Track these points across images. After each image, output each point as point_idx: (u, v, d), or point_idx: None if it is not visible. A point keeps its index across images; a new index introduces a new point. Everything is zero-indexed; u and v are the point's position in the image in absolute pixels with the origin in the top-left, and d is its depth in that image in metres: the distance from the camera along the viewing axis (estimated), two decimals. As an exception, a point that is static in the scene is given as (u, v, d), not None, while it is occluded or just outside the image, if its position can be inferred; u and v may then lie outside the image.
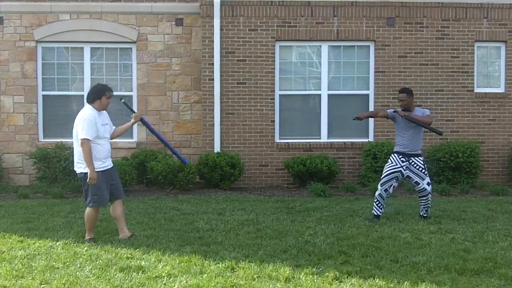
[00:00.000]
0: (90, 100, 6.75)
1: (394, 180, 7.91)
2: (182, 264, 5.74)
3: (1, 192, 10.57)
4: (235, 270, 5.56)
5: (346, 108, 11.50)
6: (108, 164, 6.82)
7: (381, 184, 7.94)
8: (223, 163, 10.52)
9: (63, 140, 11.47)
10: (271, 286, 5.08)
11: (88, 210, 6.79)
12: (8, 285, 5.09)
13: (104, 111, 6.93)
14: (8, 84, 11.75)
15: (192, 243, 6.61)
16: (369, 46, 11.60)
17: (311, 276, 5.32)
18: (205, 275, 5.37)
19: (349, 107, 11.49)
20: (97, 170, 6.58)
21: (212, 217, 8.17)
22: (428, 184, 7.88)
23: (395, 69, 11.50)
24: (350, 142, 11.53)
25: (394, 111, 7.99)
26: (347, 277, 5.32)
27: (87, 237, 6.82)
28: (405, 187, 10.79)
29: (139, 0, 11.85)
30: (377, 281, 5.18)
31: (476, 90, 11.72)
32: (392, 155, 8.01)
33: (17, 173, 11.79)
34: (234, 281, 5.19)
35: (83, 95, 11.79)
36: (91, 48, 11.89)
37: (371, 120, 11.53)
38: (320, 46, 11.58)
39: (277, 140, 11.55)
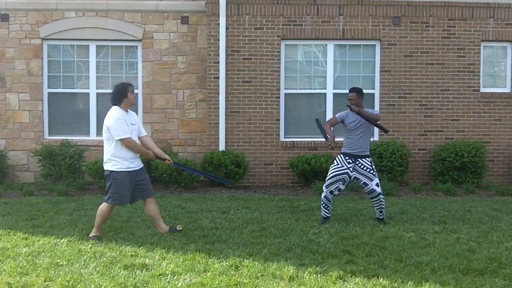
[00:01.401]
0: (117, 101, 6.76)
1: (340, 182, 7.66)
2: (186, 262, 5.74)
3: (6, 189, 10.60)
4: (239, 268, 5.56)
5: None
6: (136, 165, 6.86)
7: (326, 186, 7.70)
8: (228, 162, 10.52)
9: (68, 137, 11.52)
10: (274, 284, 5.08)
11: (103, 205, 6.84)
12: (12, 282, 5.11)
13: (133, 112, 7.00)
14: (13, 81, 11.78)
15: (196, 241, 6.62)
16: (375, 45, 11.57)
17: (315, 275, 5.31)
18: (209, 273, 5.37)
19: (354, 106, 11.46)
20: (124, 170, 6.69)
21: (216, 215, 8.17)
22: (377, 185, 7.55)
23: (401, 68, 11.47)
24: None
25: (347, 106, 7.66)
26: (351, 276, 5.31)
27: (92, 234, 6.83)
28: (410, 187, 10.77)
29: (145, -2, 11.88)
30: (381, 281, 5.17)
31: (482, 90, 11.67)
32: (338, 156, 7.77)
33: (22, 170, 11.83)
34: (238, 279, 5.19)
35: (88, 93, 11.88)
36: (97, 46, 11.90)
37: (376, 119, 11.50)
38: (326, 44, 11.56)
39: (282, 139, 11.54)
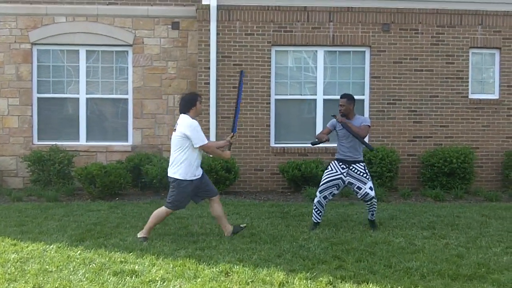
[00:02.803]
0: (186, 110, 6.95)
1: (335, 188, 7.68)
2: (176, 268, 5.73)
3: (-5, 195, 10.54)
4: (229, 274, 5.56)
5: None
6: (199, 172, 7.05)
7: (319, 191, 7.71)
8: (218, 167, 10.52)
9: (57, 143, 11.47)
10: (265, 290, 5.09)
11: (162, 209, 7.03)
12: (1, 288, 5.08)
13: None
14: (3, 86, 11.73)
15: (186, 247, 6.61)
16: (364, 51, 11.63)
17: (305, 281, 5.32)
18: (199, 279, 5.37)
19: (344, 112, 11.53)
20: (189, 179, 6.89)
21: (206, 221, 8.17)
22: (370, 188, 7.57)
23: (390, 74, 11.54)
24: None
25: (332, 116, 7.85)
26: (340, 282, 5.32)
27: (142, 235, 7.00)
28: (399, 193, 10.82)
29: (136, 4, 11.86)
30: (370, 286, 5.20)
31: (471, 96, 11.77)
32: (332, 162, 7.80)
33: (11, 175, 11.76)
34: (228, 285, 5.19)
35: (78, 98, 11.86)
36: (87, 50, 11.88)
37: (366, 125, 11.56)
38: (316, 51, 11.61)
39: (272, 144, 11.56)
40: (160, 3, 11.89)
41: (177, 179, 6.87)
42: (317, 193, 7.77)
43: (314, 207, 7.77)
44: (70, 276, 5.44)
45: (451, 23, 11.63)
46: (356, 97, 11.33)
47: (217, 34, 11.27)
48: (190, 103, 6.95)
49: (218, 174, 10.52)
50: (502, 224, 8.12)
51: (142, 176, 10.77)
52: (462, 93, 11.65)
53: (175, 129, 6.94)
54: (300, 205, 9.66)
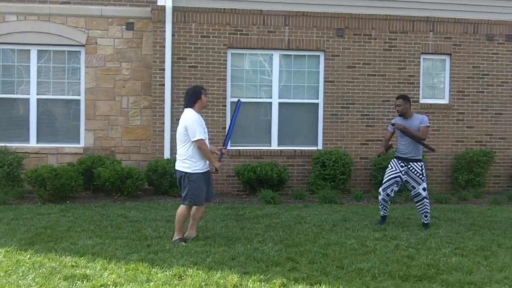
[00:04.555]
0: (191, 104, 6.98)
1: (395, 185, 8.15)
2: (129, 272, 5.65)
3: None
4: (182, 278, 5.53)
5: (296, 117, 11.66)
6: (208, 166, 7.09)
7: (382, 189, 8.19)
8: (173, 170, 10.42)
9: (7, 144, 11.17)
10: (218, 293, 5.09)
11: (181, 207, 7.03)
12: None
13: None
14: (-51, 85, 11.37)
15: (139, 251, 6.53)
16: (319, 56, 11.77)
17: (258, 283, 5.34)
18: (152, 283, 5.31)
19: (299, 115, 11.65)
20: (200, 171, 6.92)
21: (160, 224, 8.10)
22: (423, 189, 8.03)
23: (344, 79, 11.71)
24: (300, 150, 11.65)
25: (391, 125, 8.30)
26: (294, 284, 5.36)
27: (176, 237, 7.00)
28: (352, 195, 10.98)
29: (89, 3, 11.67)
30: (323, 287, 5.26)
31: (422, 101, 12.05)
32: (392, 160, 8.30)
33: (-43, 178, 11.38)
34: (182, 289, 5.17)
35: (28, 99, 11.57)
36: (38, 50, 11.62)
37: (319, 128, 11.71)
38: (272, 54, 11.68)
39: (227, 147, 11.51)
40: (114, 3, 11.72)
41: (186, 172, 6.90)
42: (380, 191, 8.23)
43: (380, 204, 8.30)
44: (19, 281, 5.30)
45: (403, 29, 11.89)
46: (310, 101, 11.76)
47: (173, 35, 11.20)
48: (195, 96, 7.00)
49: (173, 177, 10.42)
50: (451, 226, 8.33)
51: (94, 179, 10.58)
52: (413, 98, 11.87)
53: (179, 123, 7.02)
54: (255, 207, 9.69)
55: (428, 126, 8.12)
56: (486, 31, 12.17)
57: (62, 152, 11.59)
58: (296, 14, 11.55)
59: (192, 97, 7.00)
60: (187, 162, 6.89)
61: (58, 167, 10.30)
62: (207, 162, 7.05)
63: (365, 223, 8.40)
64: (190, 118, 6.85)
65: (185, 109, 7.01)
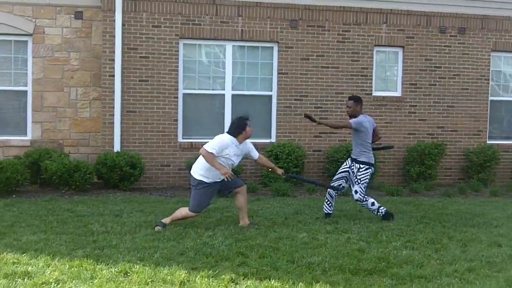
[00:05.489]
0: (235, 135, 7.32)
1: (343, 180, 8.24)
2: (72, 269, 5.45)
3: None
4: (128, 274, 5.35)
5: (249, 109, 11.47)
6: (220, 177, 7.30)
7: (338, 179, 8.29)
8: (123, 163, 10.20)
9: None
10: (164, 290, 4.94)
11: (186, 210, 7.35)
12: None
13: (249, 141, 7.63)
14: None
15: (85, 246, 6.32)
16: (272, 47, 11.67)
17: (206, 279, 5.21)
18: (96, 280, 5.13)
19: (252, 107, 11.50)
20: (214, 181, 7.27)
21: (108, 219, 7.87)
22: (355, 192, 8.03)
23: (298, 71, 11.65)
24: (253, 142, 11.43)
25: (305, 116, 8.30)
26: (243, 279, 5.26)
27: (163, 221, 7.32)
28: (305, 188, 10.96)
29: (36, -9, 11.27)
30: (272, 283, 5.16)
31: (374, 93, 12.10)
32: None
33: None
34: (127, 286, 4.99)
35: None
36: (-18, 39, 11.18)
37: (273, 121, 11.63)
38: (225, 45, 11.51)
39: (180, 139, 11.36)
40: (62, -9, 11.36)
41: (202, 181, 7.22)
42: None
43: (325, 199, 8.43)
44: (-46, 281, 5.05)
45: (357, 21, 11.90)
46: (263, 93, 11.67)
47: (123, 25, 10.90)
48: (239, 128, 7.31)
49: (123, 170, 10.21)
50: (402, 219, 8.34)
51: (41, 172, 10.24)
52: (366, 90, 11.95)
53: None
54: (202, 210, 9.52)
55: (350, 122, 8.05)
56: (439, 24, 12.29)
57: (8, 144, 11.20)
58: (250, 5, 11.41)
59: (237, 129, 7.31)
60: (204, 172, 7.23)
61: (4, 160, 9.94)
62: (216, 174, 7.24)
63: (317, 216, 8.37)
64: (220, 137, 7.28)
65: (226, 133, 7.38)
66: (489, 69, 12.60)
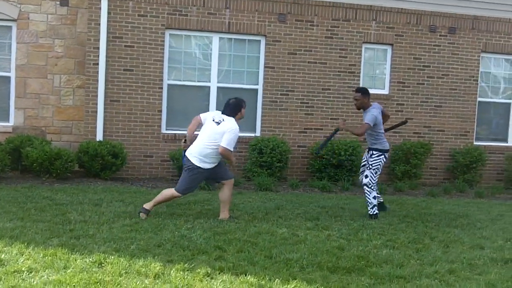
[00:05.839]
0: (233, 114, 7.38)
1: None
2: (46, 258, 5.34)
3: None
4: (103, 265, 5.25)
5: (235, 102, 11.43)
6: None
7: (361, 172, 8.52)
8: (105, 152, 10.08)
9: None
10: (138, 282, 4.83)
11: (171, 191, 7.38)
12: None
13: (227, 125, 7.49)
14: None
15: (61, 235, 6.21)
16: (260, 40, 11.58)
17: (181, 273, 5.12)
18: (69, 270, 5.02)
19: (238, 100, 11.43)
20: (208, 168, 7.30)
21: (87, 208, 7.75)
22: (365, 176, 8.15)
23: (285, 65, 11.57)
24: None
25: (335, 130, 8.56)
26: (219, 274, 5.18)
27: (145, 207, 7.35)
28: (288, 183, 10.91)
29: (21, -25, 11.09)
30: (248, 278, 5.08)
31: (361, 90, 12.04)
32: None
33: None
34: (100, 277, 4.89)
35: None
36: (-36, 23, 10.99)
37: (258, 115, 11.56)
38: (211, 37, 11.40)
39: (163, 130, 11.25)
40: (48, -23, 11.18)
41: (200, 167, 7.24)
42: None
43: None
44: None
45: (346, 17, 11.83)
46: (249, 86, 11.57)
47: (108, 13, 10.75)
48: (236, 108, 7.39)
49: (105, 159, 10.10)
50: (384, 217, 8.28)
51: (22, 159, 10.10)
52: (353, 87, 11.83)
53: (218, 122, 7.27)
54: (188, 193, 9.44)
55: (368, 123, 7.94)
56: (429, 23, 12.26)
57: (-11, 130, 11.04)
58: (238, -3, 11.31)
59: (234, 108, 7.38)
60: (208, 162, 7.26)
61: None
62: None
63: (298, 212, 8.31)
64: (234, 129, 7.22)
65: (228, 117, 7.34)
66: (478, 70, 12.59)
